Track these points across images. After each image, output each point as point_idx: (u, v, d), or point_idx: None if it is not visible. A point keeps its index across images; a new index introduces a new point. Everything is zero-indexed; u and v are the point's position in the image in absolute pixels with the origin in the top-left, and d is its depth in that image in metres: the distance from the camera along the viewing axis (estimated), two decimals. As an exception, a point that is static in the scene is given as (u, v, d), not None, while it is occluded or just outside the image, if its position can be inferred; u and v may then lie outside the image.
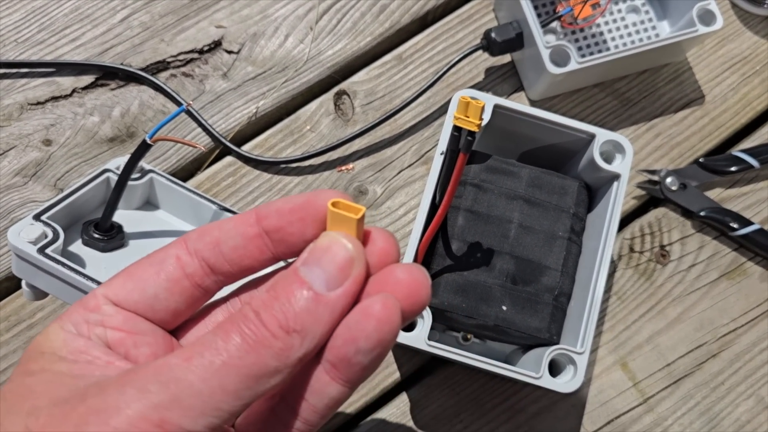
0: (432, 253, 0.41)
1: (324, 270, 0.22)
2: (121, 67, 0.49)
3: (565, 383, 0.38)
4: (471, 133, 0.34)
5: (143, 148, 0.40)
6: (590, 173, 0.43)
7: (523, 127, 0.43)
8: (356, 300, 0.23)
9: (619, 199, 0.41)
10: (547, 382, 0.38)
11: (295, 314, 0.22)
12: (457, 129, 0.35)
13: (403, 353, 0.46)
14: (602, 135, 0.41)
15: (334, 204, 0.23)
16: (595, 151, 0.41)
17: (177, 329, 0.26)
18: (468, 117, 0.34)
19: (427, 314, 0.38)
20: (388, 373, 0.45)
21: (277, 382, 0.22)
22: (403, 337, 0.38)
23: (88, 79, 0.49)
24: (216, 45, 0.50)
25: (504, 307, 0.40)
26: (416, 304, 0.23)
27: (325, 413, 0.23)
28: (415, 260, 0.39)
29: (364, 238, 0.24)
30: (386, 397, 0.45)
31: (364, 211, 0.23)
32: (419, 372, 0.46)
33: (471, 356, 0.37)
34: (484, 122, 0.35)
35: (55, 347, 0.24)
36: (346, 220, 0.23)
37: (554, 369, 0.39)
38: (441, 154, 0.40)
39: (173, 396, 0.20)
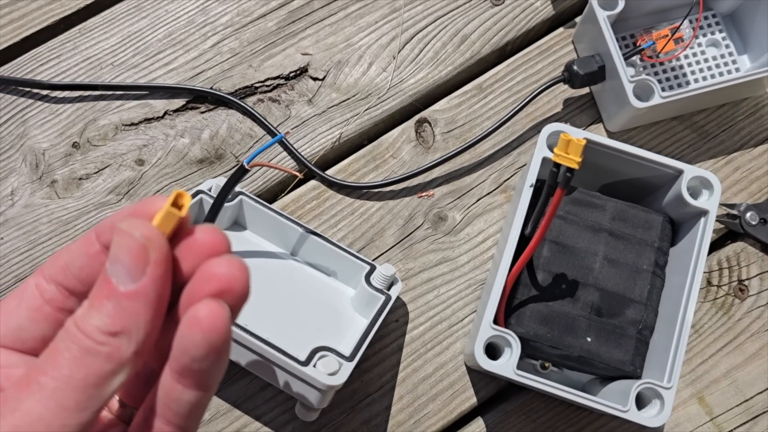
0: (516, 283, 0.42)
1: (123, 264, 0.22)
2: (211, 91, 0.51)
3: (652, 418, 0.38)
4: (570, 170, 0.35)
5: (240, 173, 0.41)
6: (676, 208, 0.43)
7: (607, 160, 0.44)
8: (177, 305, 0.23)
9: (707, 236, 0.41)
10: (634, 416, 0.38)
11: (111, 317, 0.22)
12: (555, 165, 0.35)
13: (480, 378, 0.46)
14: (690, 171, 0.42)
15: (177, 197, 0.23)
16: (683, 188, 0.42)
17: None
18: (568, 154, 0.35)
19: (516, 344, 0.39)
20: (465, 398, 0.46)
21: (121, 380, 0.22)
22: (492, 366, 0.38)
23: (179, 102, 0.51)
24: (302, 71, 0.52)
25: (589, 339, 0.41)
26: (238, 297, 0.23)
27: (192, 415, 0.24)
28: (504, 291, 0.39)
29: (187, 235, 0.24)
30: (462, 421, 0.46)
31: (187, 206, 0.23)
32: (495, 397, 0.46)
33: (563, 388, 0.38)
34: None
35: None
36: (169, 217, 0.23)
37: (638, 402, 0.39)
38: (531, 186, 0.41)
39: (14, 427, 0.20)
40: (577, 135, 0.42)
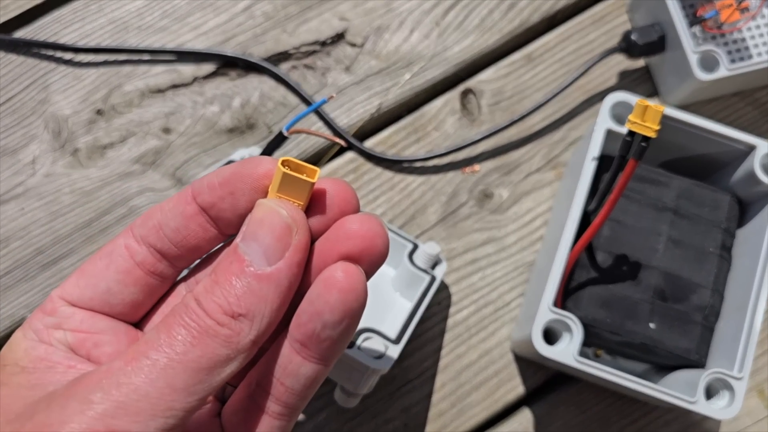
0: (574, 264, 0.39)
1: (261, 243, 0.20)
2: (243, 57, 0.48)
3: (722, 410, 0.35)
4: (645, 139, 0.32)
5: (278, 140, 0.38)
6: (746, 187, 0.40)
7: (670, 135, 0.41)
8: (308, 266, 0.22)
9: (781, 216, 0.38)
10: (703, 407, 0.35)
11: (237, 297, 0.20)
12: (630, 133, 0.32)
13: (528, 366, 0.43)
14: (764, 146, 0.39)
15: (284, 163, 0.21)
16: (756, 164, 0.38)
17: (144, 319, 0.25)
18: (645, 122, 0.32)
19: (578, 328, 0.36)
20: (511, 386, 0.43)
21: (234, 369, 0.20)
22: (551, 352, 0.35)
23: (208, 68, 0.48)
24: (339, 37, 0.49)
25: (652, 325, 0.38)
26: (374, 256, 0.21)
27: (304, 394, 0.22)
28: (564, 272, 0.37)
29: (317, 192, 0.22)
30: (507, 411, 0.43)
31: (319, 172, 0.21)
32: (543, 387, 0.44)
33: (630, 378, 0.35)
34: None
35: (17, 357, 0.22)
36: (298, 184, 0.21)
37: (705, 393, 0.37)
38: (593, 159, 0.38)
39: (118, 403, 0.19)
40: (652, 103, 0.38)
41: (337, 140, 0.38)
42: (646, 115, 0.31)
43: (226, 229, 0.23)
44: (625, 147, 0.33)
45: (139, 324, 0.25)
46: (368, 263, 0.21)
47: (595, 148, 0.38)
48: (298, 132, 0.38)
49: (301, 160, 0.47)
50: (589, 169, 0.38)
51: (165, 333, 0.20)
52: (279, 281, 0.20)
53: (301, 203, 0.21)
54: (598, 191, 0.36)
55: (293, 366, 0.21)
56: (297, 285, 0.21)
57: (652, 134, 0.31)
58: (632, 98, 0.39)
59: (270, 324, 0.21)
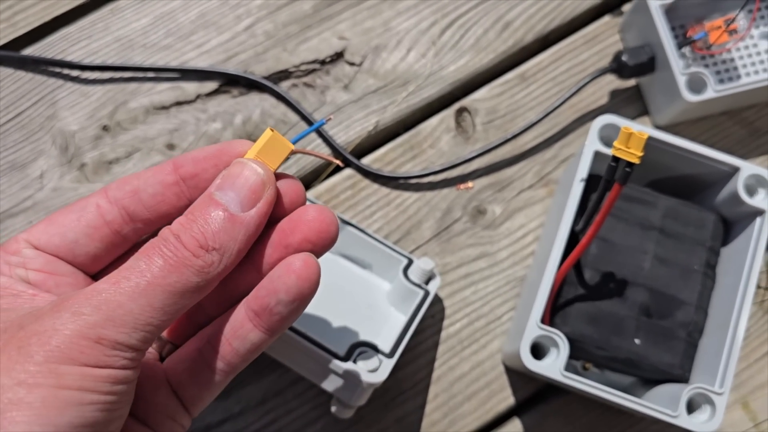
0: (562, 280, 0.40)
1: (237, 193, 0.24)
2: (244, 75, 0.49)
3: (703, 423, 0.37)
4: (629, 164, 0.33)
5: (279, 160, 0.40)
6: (729, 207, 0.41)
7: (657, 155, 0.42)
8: (269, 240, 0.26)
9: (763, 237, 0.39)
10: (684, 421, 0.37)
11: (213, 233, 0.23)
12: (614, 159, 0.34)
13: (518, 378, 0.45)
14: (747, 168, 0.40)
15: (271, 130, 0.26)
16: (739, 185, 0.40)
17: (99, 273, 0.28)
18: (629, 148, 0.33)
19: (564, 344, 0.37)
20: (502, 397, 0.45)
21: (200, 297, 0.24)
22: (538, 367, 0.37)
23: (211, 85, 0.49)
24: (338, 56, 0.50)
25: (637, 341, 0.39)
26: (326, 241, 0.26)
27: (247, 357, 0.26)
28: (552, 289, 0.38)
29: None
30: (498, 421, 0.45)
31: (292, 148, 0.27)
32: (533, 398, 0.45)
33: (612, 392, 0.36)
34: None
35: None
36: (279, 148, 0.26)
37: (687, 407, 0.38)
38: (581, 180, 0.39)
39: (106, 316, 0.22)
40: (636, 128, 0.40)
41: (335, 160, 0.40)
42: (630, 142, 0.33)
43: (197, 193, 0.26)
44: (611, 171, 0.34)
45: (95, 276, 0.27)
46: (322, 247, 0.26)
47: (583, 170, 0.39)
48: (298, 152, 0.39)
49: (299, 177, 0.48)
50: (577, 189, 0.39)
51: (144, 260, 0.23)
52: (248, 225, 0.24)
53: (274, 168, 0.26)
54: (585, 212, 0.37)
55: (243, 331, 0.25)
56: (259, 232, 0.25)
57: (635, 160, 0.33)
58: (620, 121, 0.40)
59: (234, 262, 0.24)
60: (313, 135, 0.49)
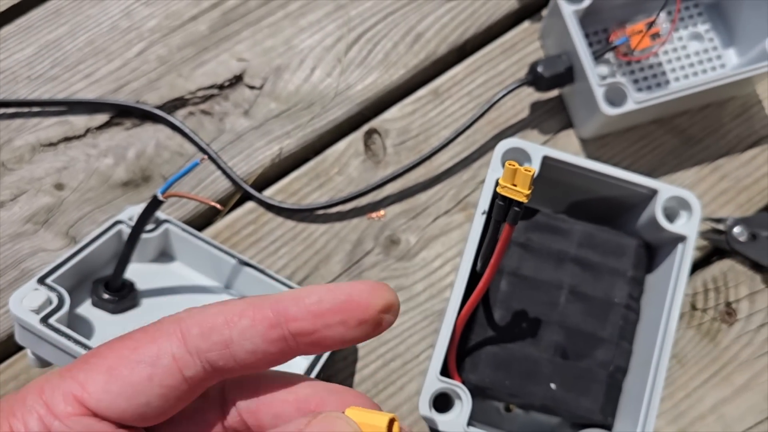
0: (472, 321, 0.37)
1: None
2: (137, 105, 0.45)
3: (624, 476, 0.34)
4: (518, 204, 0.30)
5: (155, 205, 0.36)
6: (651, 232, 0.38)
7: (574, 178, 0.38)
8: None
9: (684, 265, 0.36)
10: (602, 475, 0.33)
11: None
12: (502, 198, 0.30)
13: (439, 422, 0.42)
14: (665, 191, 0.37)
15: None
16: (657, 210, 0.36)
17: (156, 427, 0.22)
18: (515, 186, 0.29)
19: (466, 397, 0.34)
20: (422, 443, 0.41)
21: None
22: (440, 423, 0.34)
23: (102, 118, 0.46)
24: (237, 80, 0.46)
25: (552, 385, 0.36)
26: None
27: None
28: (453, 336, 0.35)
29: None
30: (420, 468, 0.41)
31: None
32: (456, 442, 0.42)
33: (516, 451, 0.33)
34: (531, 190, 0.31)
35: None
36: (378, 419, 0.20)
37: (609, 456, 0.35)
38: (483, 213, 0.36)
39: None
40: (535, 152, 0.36)
41: (212, 203, 0.36)
42: (516, 179, 0.29)
43: (313, 352, 0.21)
44: (500, 211, 0.31)
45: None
46: None
47: (484, 202, 0.36)
48: (174, 195, 0.36)
49: (183, 222, 0.45)
50: (477, 225, 0.36)
51: None
52: None
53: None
54: (481, 253, 0.34)
55: None
56: None
57: (523, 199, 0.29)
58: (525, 144, 0.37)
59: None
60: (212, 167, 0.45)
